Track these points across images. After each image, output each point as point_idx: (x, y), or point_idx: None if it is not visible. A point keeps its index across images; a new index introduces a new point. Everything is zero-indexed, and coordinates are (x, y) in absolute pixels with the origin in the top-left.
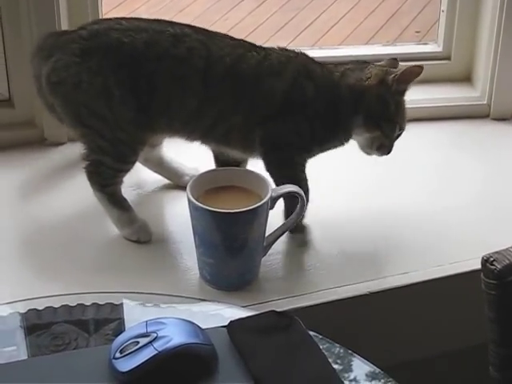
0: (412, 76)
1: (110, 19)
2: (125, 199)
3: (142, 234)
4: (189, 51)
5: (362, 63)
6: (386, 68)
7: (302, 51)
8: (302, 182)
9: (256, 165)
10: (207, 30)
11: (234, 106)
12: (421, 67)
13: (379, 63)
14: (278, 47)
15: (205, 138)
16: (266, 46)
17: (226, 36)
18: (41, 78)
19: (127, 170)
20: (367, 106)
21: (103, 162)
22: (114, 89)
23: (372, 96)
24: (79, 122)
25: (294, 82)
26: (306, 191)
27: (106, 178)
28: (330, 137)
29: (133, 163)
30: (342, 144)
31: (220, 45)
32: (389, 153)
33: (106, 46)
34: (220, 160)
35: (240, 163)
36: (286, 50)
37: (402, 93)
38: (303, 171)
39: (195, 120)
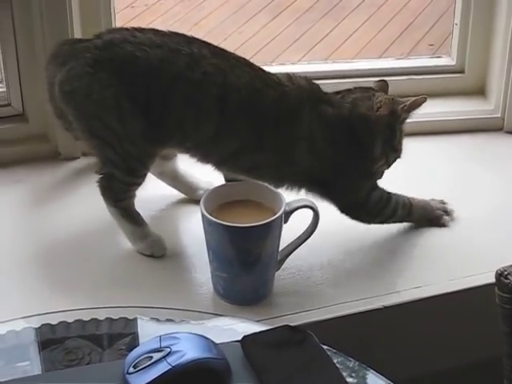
0: (417, 106)
1: (126, 29)
2: (138, 214)
3: (156, 249)
4: (204, 76)
5: (366, 90)
6: (391, 97)
7: (314, 82)
8: (396, 201)
9: None
10: (224, 51)
11: (256, 141)
12: (425, 98)
13: (373, 86)
14: (291, 76)
15: (221, 165)
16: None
17: (242, 61)
18: (54, 85)
19: (138, 184)
20: (380, 136)
21: (114, 176)
22: (125, 102)
23: (383, 126)
24: (90, 132)
25: (312, 137)
26: (406, 198)
27: (118, 192)
28: (367, 166)
29: (143, 177)
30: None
31: (237, 73)
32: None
33: (119, 58)
34: (229, 177)
35: None
36: (299, 80)
37: (405, 122)
38: (381, 196)
39: (212, 145)
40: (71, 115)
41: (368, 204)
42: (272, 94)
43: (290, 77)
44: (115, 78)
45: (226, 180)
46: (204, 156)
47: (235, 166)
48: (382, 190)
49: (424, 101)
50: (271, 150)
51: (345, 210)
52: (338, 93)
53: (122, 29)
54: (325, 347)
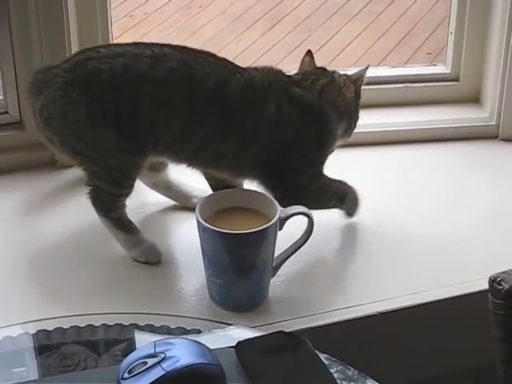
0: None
1: (90, 49)
2: (130, 221)
3: (151, 255)
4: (169, 72)
5: (323, 71)
6: (344, 75)
7: (279, 69)
8: (334, 191)
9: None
10: (189, 48)
11: (222, 132)
12: (368, 66)
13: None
14: (255, 67)
15: (191, 161)
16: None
17: (208, 54)
18: (36, 113)
19: (126, 195)
20: (348, 118)
21: (102, 188)
22: (98, 118)
23: (351, 108)
24: (74, 152)
25: (278, 113)
26: (344, 188)
27: (107, 203)
28: (324, 153)
29: (130, 187)
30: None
31: (203, 64)
32: None
33: (85, 76)
34: (213, 185)
35: (236, 186)
36: (263, 67)
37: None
38: (323, 184)
39: (182, 142)
40: (54, 139)
41: (309, 189)
42: (239, 81)
43: (255, 67)
44: (85, 96)
45: (213, 189)
46: (176, 155)
47: (203, 159)
48: (325, 178)
49: (367, 69)
50: (235, 137)
51: (286, 192)
52: (301, 74)
53: (87, 49)
54: (324, 355)
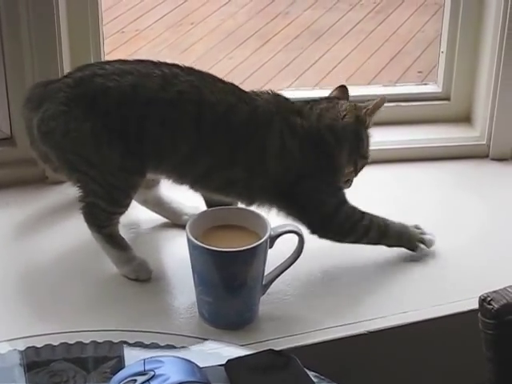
0: (379, 108)
1: (93, 64)
2: (122, 238)
3: (142, 273)
4: (179, 94)
5: (331, 100)
6: (354, 103)
7: (278, 94)
8: (368, 223)
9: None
10: (196, 70)
11: (228, 159)
12: (385, 98)
13: (334, 93)
14: (256, 92)
15: (196, 184)
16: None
17: (215, 79)
18: (32, 129)
19: (121, 213)
20: (348, 144)
21: (97, 205)
22: (102, 135)
23: (350, 133)
24: (72, 168)
25: (282, 146)
26: (364, 217)
27: (101, 219)
28: (335, 179)
29: (127, 206)
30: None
31: (212, 89)
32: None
33: (91, 92)
34: (209, 202)
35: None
36: (264, 94)
37: (370, 126)
38: (350, 214)
39: (187, 165)
40: (51, 155)
41: (337, 219)
42: (245, 109)
43: (255, 92)
44: (90, 112)
45: (208, 204)
46: (179, 177)
47: (209, 184)
48: (354, 207)
49: (384, 101)
50: (243, 164)
51: (313, 227)
52: (307, 102)
53: (89, 65)
54: (313, 374)
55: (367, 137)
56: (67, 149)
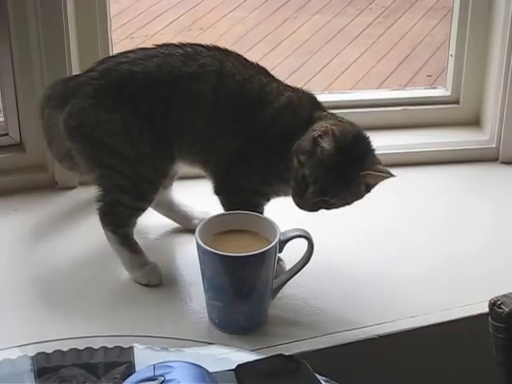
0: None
1: (114, 56)
2: (136, 242)
3: (152, 278)
4: (201, 67)
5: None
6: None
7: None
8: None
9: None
10: (220, 47)
11: (230, 127)
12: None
13: None
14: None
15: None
16: None
17: (239, 55)
18: (52, 128)
19: (144, 210)
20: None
21: (121, 202)
22: (132, 122)
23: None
24: (98, 162)
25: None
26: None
27: (122, 217)
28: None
29: (151, 201)
30: None
31: (233, 62)
32: None
33: (118, 80)
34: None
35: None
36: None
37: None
38: (245, 198)
39: (200, 139)
40: (77, 150)
41: (233, 195)
42: (260, 82)
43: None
44: (119, 101)
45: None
46: (195, 154)
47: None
48: (256, 204)
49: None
50: (235, 132)
51: (219, 187)
52: (324, 111)
53: (110, 57)
54: (323, 378)
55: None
56: (96, 141)
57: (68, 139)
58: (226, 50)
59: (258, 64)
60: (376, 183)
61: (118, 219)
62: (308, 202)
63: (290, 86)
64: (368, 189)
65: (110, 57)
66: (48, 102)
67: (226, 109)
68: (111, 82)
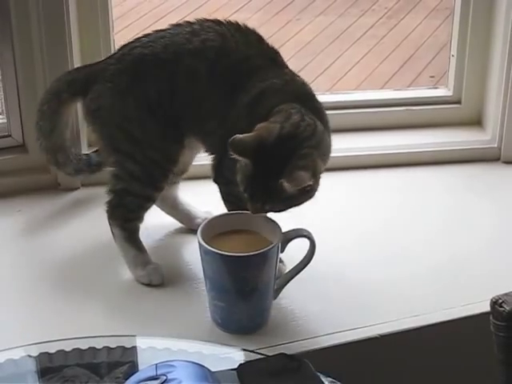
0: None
1: (132, 41)
2: (141, 241)
3: (154, 278)
4: (202, 43)
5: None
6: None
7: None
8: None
9: None
10: (234, 23)
11: (222, 105)
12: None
13: None
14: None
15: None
16: None
17: (252, 32)
18: (61, 115)
19: (153, 200)
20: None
21: (131, 191)
22: (143, 106)
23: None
24: (113, 147)
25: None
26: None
27: (131, 209)
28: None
29: (160, 190)
30: None
31: (240, 39)
32: None
33: (131, 63)
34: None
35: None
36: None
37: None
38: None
39: (202, 118)
40: (95, 133)
41: (226, 184)
42: (259, 62)
43: (290, 70)
44: (132, 85)
45: None
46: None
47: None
48: (234, 196)
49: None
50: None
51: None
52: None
53: (130, 42)
54: (325, 378)
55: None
56: (111, 124)
57: (89, 123)
58: (241, 26)
59: (268, 46)
60: (303, 187)
61: (127, 212)
62: (253, 209)
63: (294, 76)
64: (308, 191)
65: (127, 43)
66: (68, 87)
67: (219, 86)
68: (125, 66)
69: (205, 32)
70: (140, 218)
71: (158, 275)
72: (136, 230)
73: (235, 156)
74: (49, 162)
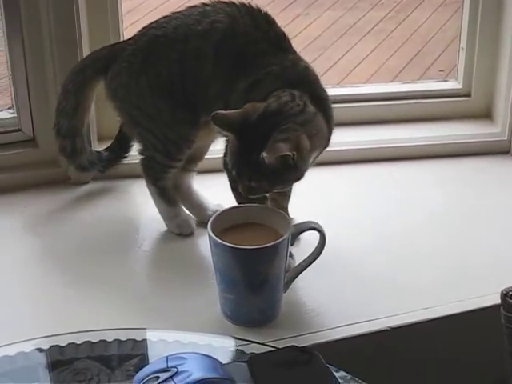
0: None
1: (151, 22)
2: (173, 195)
3: (184, 228)
4: (211, 25)
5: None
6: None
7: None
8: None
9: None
10: (247, 6)
11: (226, 88)
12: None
13: None
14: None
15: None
16: None
17: (264, 17)
18: (81, 94)
19: (175, 167)
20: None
21: (155, 158)
22: (156, 87)
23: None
24: (134, 123)
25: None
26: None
27: (157, 172)
28: None
29: (180, 161)
30: None
31: (250, 22)
32: None
33: (145, 44)
34: None
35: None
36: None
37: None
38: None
39: (211, 100)
40: (116, 110)
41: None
42: (263, 45)
43: (297, 56)
44: (145, 65)
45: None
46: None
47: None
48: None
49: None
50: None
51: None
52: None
53: (149, 23)
54: (335, 369)
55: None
56: (129, 103)
57: (110, 100)
58: (253, 8)
59: (276, 30)
60: (284, 161)
61: (154, 173)
62: (242, 188)
63: (297, 61)
64: (292, 165)
65: (147, 24)
66: (93, 63)
67: (224, 68)
68: (140, 46)
69: (215, 13)
70: (167, 178)
71: (187, 226)
72: (166, 187)
73: (219, 130)
74: (63, 152)
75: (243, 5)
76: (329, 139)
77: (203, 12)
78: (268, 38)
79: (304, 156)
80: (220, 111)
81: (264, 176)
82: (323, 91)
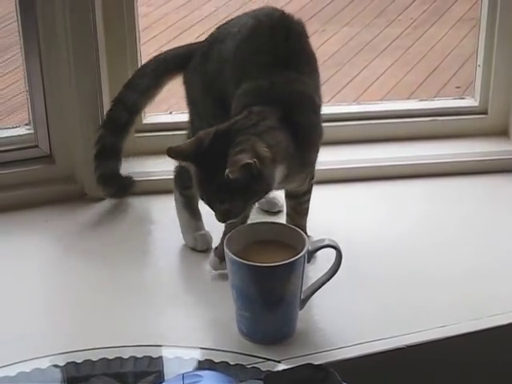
0: None
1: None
2: (197, 208)
3: (200, 243)
4: (239, 28)
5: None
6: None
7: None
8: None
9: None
10: (285, 15)
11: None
12: None
13: None
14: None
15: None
16: None
17: (285, 28)
18: (157, 80)
19: None
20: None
21: None
22: (202, 83)
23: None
24: (190, 119)
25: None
26: None
27: (185, 180)
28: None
29: None
30: None
31: (264, 31)
32: None
33: (206, 44)
34: None
35: None
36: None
37: None
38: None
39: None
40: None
41: None
42: (267, 60)
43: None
44: (200, 64)
45: None
46: None
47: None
48: None
49: None
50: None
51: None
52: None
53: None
54: None
55: None
56: (189, 98)
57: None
58: (284, 16)
59: (291, 45)
60: (246, 171)
61: (182, 181)
62: (218, 215)
63: (295, 83)
64: (257, 173)
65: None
66: (174, 58)
67: (235, 72)
68: (203, 46)
69: (250, 18)
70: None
71: (203, 242)
72: (192, 197)
73: (180, 162)
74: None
75: (279, 16)
76: (302, 161)
77: (244, 16)
78: (276, 51)
79: (266, 163)
80: (171, 146)
81: (234, 194)
82: (304, 117)
